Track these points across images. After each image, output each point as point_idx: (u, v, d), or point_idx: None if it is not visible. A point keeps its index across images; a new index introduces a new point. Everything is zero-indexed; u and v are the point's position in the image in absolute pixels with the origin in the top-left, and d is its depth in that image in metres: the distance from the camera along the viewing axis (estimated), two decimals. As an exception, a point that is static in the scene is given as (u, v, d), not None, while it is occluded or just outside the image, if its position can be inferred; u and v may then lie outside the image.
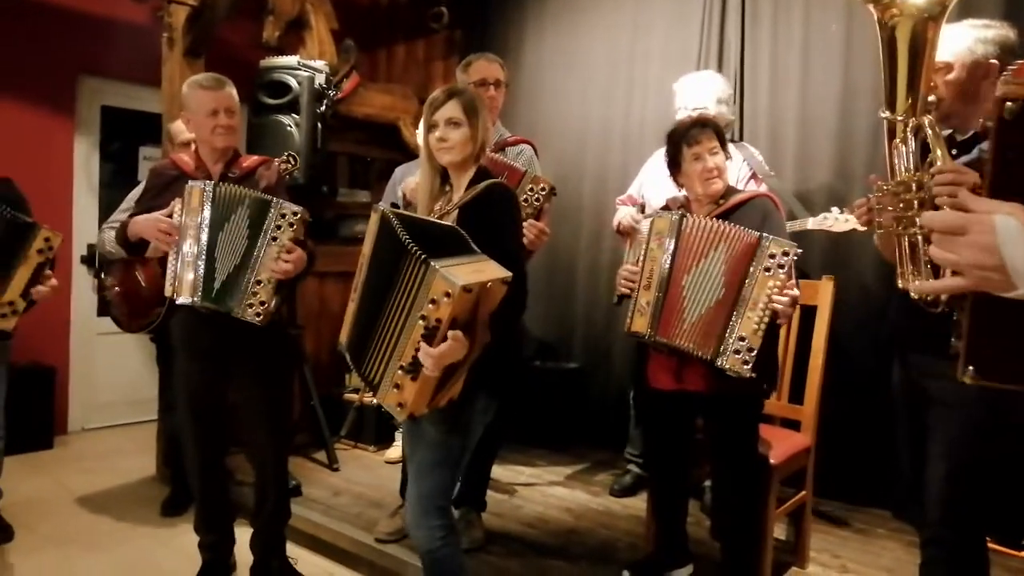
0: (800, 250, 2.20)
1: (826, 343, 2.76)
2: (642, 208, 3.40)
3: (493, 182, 2.08)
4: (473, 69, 3.01)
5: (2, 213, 2.83)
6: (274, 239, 2.38)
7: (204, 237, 2.37)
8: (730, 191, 2.48)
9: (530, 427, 4.13)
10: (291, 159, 3.54)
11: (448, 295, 1.70)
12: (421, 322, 1.75)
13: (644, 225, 3.23)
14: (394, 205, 2.87)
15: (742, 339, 2.18)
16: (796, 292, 2.20)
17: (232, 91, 2.58)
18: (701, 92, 3.24)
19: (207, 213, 2.38)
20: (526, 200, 2.74)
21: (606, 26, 4.23)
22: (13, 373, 4.05)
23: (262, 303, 2.38)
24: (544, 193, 2.79)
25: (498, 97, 2.99)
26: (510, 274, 1.83)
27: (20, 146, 4.39)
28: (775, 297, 2.16)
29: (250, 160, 2.67)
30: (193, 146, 2.71)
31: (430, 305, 1.73)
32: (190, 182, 2.43)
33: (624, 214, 3.36)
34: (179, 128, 3.38)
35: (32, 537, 3.21)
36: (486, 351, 1.95)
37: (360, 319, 2.01)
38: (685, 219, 2.33)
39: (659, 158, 3.45)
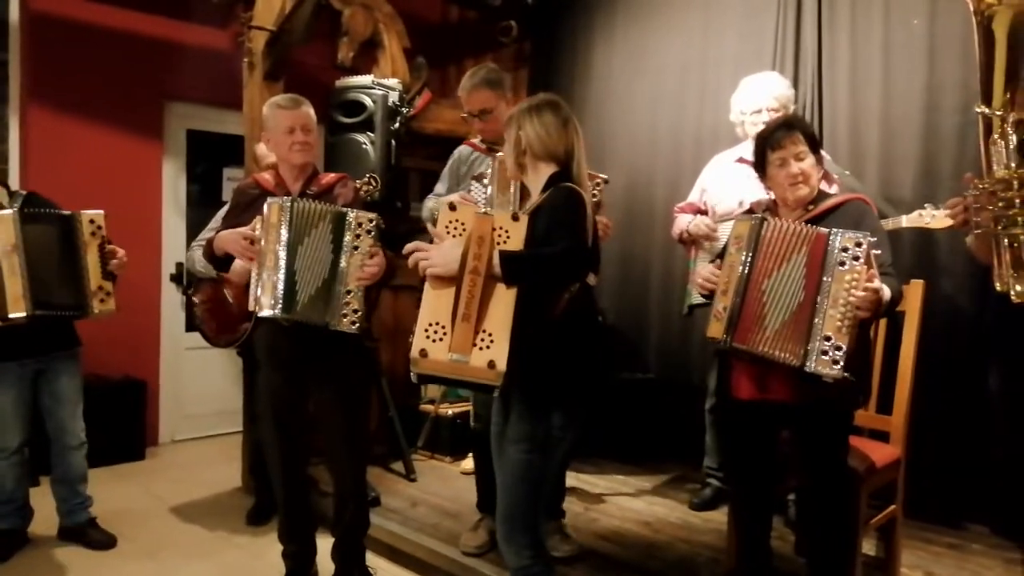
0: (873, 238, 2.10)
1: (915, 350, 2.64)
2: (705, 214, 3.35)
3: (556, 186, 2.08)
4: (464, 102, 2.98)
5: (42, 215, 3.02)
6: (356, 248, 2.46)
7: (283, 251, 2.44)
8: (821, 196, 2.37)
9: (605, 439, 4.08)
10: (372, 180, 3.62)
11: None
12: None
13: (723, 229, 3.19)
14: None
15: (827, 339, 2.08)
16: (876, 284, 2.09)
17: (309, 110, 2.67)
18: (760, 92, 3.16)
19: (285, 228, 2.45)
20: None
21: (676, 32, 4.18)
22: (100, 383, 4.28)
23: (355, 311, 2.46)
24: (600, 187, 2.77)
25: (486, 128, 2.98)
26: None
27: (112, 170, 4.61)
28: (853, 291, 2.07)
29: (328, 177, 2.74)
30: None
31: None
32: (269, 199, 2.51)
33: (697, 221, 3.29)
34: (264, 151, 3.50)
35: (128, 546, 3.33)
36: (558, 367, 2.00)
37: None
38: (765, 223, 2.26)
39: (717, 163, 3.41)
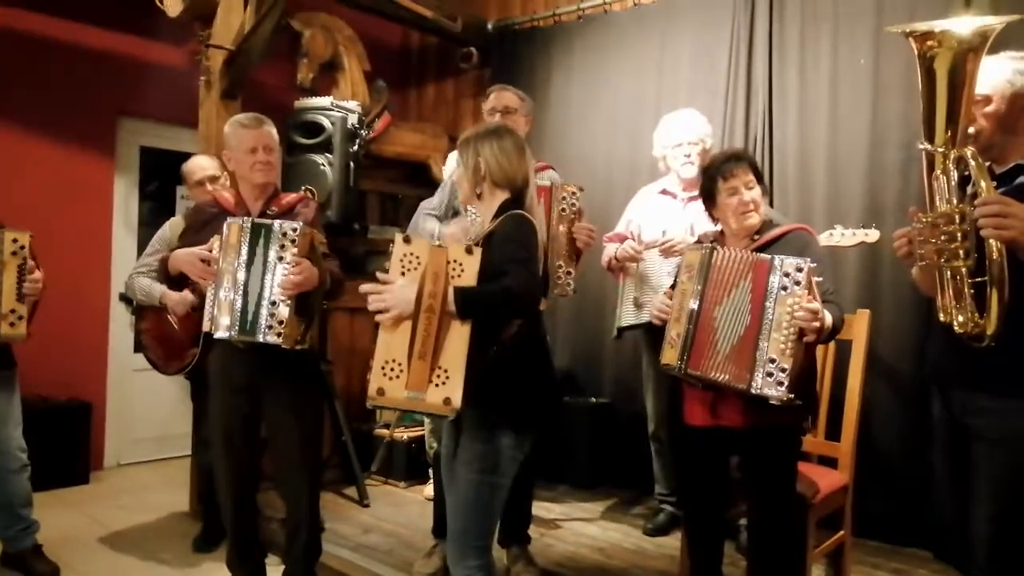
0: (814, 264, 2.19)
1: (862, 379, 2.72)
2: None
3: (509, 214, 2.09)
4: (489, 100, 3.15)
5: None
6: (280, 259, 2.44)
7: (241, 272, 2.43)
8: (766, 226, 2.46)
9: (559, 464, 4.10)
10: (310, 194, 3.61)
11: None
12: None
13: (648, 256, 3.26)
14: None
15: (772, 361, 2.16)
16: (816, 305, 2.16)
17: (271, 130, 2.66)
18: (681, 128, 3.29)
19: (245, 249, 2.43)
20: (564, 210, 2.94)
21: (633, 65, 4.26)
22: (44, 405, 4.15)
23: (280, 323, 2.42)
24: (576, 196, 2.97)
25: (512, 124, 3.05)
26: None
27: (61, 186, 4.51)
28: (796, 313, 2.15)
29: (289, 197, 2.74)
30: (228, 182, 2.79)
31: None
32: (229, 219, 2.49)
33: (623, 246, 3.34)
34: (191, 168, 3.48)
35: (68, 574, 3.21)
36: (508, 390, 2.02)
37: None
38: (715, 252, 2.33)
39: (642, 195, 3.51)
